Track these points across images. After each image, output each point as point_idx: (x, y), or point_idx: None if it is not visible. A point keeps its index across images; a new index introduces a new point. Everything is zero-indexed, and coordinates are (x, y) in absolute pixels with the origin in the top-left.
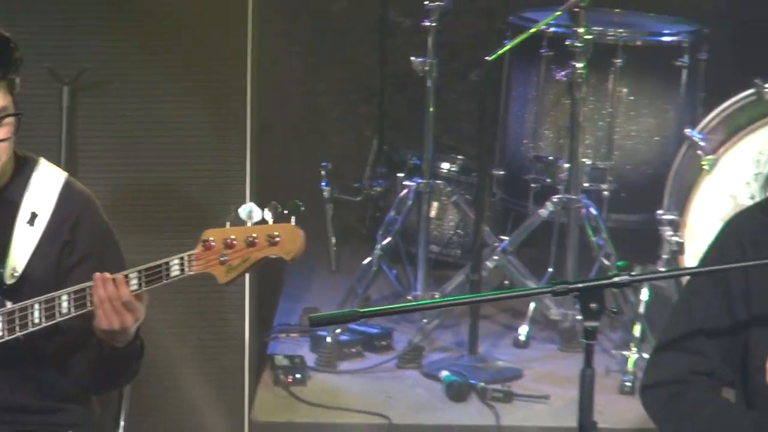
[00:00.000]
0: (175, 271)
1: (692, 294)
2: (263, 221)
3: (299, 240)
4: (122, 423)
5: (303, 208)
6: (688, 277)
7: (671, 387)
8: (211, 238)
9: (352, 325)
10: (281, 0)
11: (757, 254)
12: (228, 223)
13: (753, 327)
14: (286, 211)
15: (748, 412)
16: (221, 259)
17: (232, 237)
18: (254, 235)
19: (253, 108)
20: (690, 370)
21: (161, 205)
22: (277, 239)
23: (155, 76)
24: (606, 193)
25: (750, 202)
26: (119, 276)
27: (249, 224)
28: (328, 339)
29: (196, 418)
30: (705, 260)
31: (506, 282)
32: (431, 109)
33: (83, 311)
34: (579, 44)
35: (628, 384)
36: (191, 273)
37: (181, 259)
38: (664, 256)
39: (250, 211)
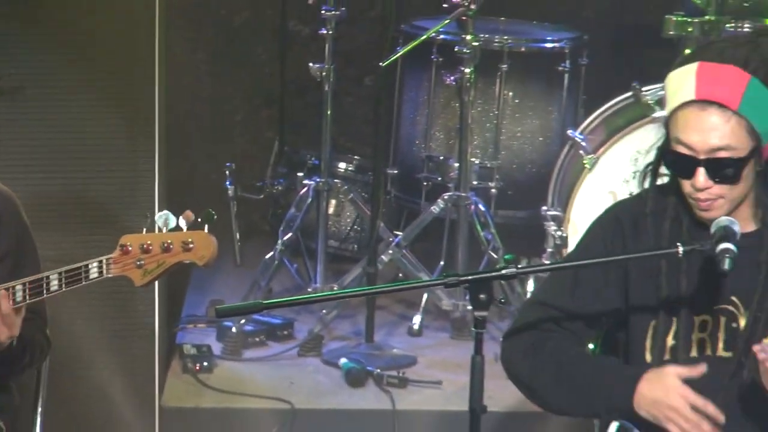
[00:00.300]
0: (93, 273)
1: (574, 259)
2: (178, 228)
3: (212, 247)
4: (39, 410)
5: (216, 217)
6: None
7: (530, 333)
8: (129, 243)
9: (256, 316)
10: (187, 11)
11: (636, 236)
12: (144, 230)
13: (631, 307)
14: (199, 219)
15: (606, 359)
16: (138, 263)
17: (149, 242)
18: (169, 241)
19: (161, 113)
20: (552, 322)
21: (74, 208)
22: (191, 246)
23: (68, 82)
24: (493, 190)
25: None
26: (1, 291)
27: (164, 231)
28: (233, 329)
29: (110, 405)
30: (586, 237)
31: (400, 275)
32: (329, 112)
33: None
34: (467, 50)
35: None
36: (109, 275)
37: (100, 262)
38: (549, 250)
39: (165, 218)
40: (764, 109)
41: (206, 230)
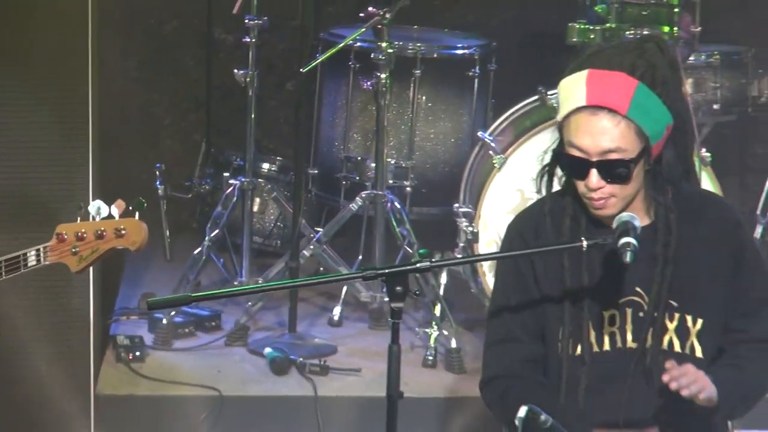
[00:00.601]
0: (32, 261)
1: (498, 293)
2: (110, 216)
3: (143, 232)
4: None
5: (146, 205)
6: (486, 267)
7: (501, 381)
8: (64, 232)
9: (185, 308)
10: (119, 20)
11: (538, 238)
12: (79, 219)
13: (545, 306)
14: (131, 207)
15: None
16: (73, 250)
17: (83, 230)
18: (103, 228)
19: (95, 116)
20: (517, 360)
21: (12, 203)
22: (124, 232)
23: (7, 84)
24: (408, 189)
25: (536, 196)
26: None
27: (98, 219)
28: (164, 321)
29: (48, 392)
30: (499, 265)
31: (321, 268)
32: (252, 116)
33: None
34: (382, 57)
35: (430, 358)
36: (47, 263)
37: (38, 250)
38: (461, 244)
39: (98, 207)
40: (651, 112)
41: (137, 217)
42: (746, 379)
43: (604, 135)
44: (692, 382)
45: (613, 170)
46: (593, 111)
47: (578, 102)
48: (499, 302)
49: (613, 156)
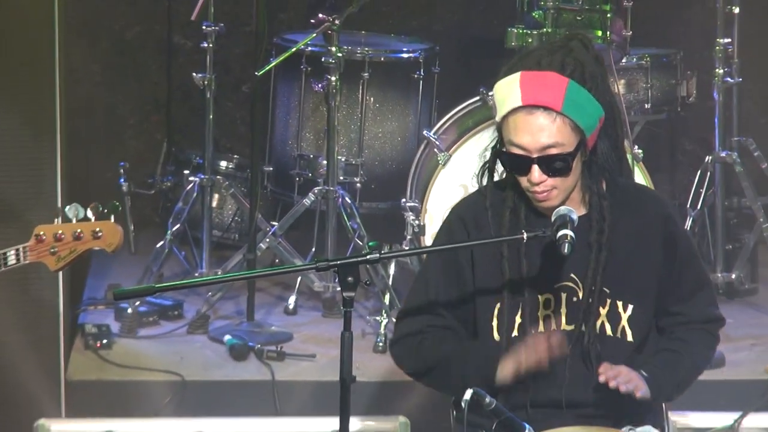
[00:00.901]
0: (11, 260)
1: (426, 270)
2: (86, 219)
3: (119, 235)
4: None
5: (120, 209)
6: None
7: (413, 338)
8: (42, 233)
9: (149, 298)
10: (84, 27)
11: (478, 229)
12: (56, 220)
13: (478, 292)
14: (106, 211)
15: (474, 343)
16: (52, 250)
17: (61, 232)
18: (80, 230)
19: (62, 117)
20: (427, 324)
21: None
22: (100, 234)
23: None
24: (358, 184)
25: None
26: None
27: (74, 221)
28: (129, 310)
29: (21, 379)
30: (437, 239)
31: (277, 260)
32: (211, 117)
33: None
34: (332, 61)
35: (380, 344)
36: (26, 262)
37: (17, 250)
38: (408, 237)
39: (76, 209)
40: (584, 106)
41: (112, 220)
42: (682, 365)
43: (542, 132)
44: (626, 382)
45: (554, 164)
46: (530, 110)
47: (515, 103)
48: (426, 278)
49: (553, 151)
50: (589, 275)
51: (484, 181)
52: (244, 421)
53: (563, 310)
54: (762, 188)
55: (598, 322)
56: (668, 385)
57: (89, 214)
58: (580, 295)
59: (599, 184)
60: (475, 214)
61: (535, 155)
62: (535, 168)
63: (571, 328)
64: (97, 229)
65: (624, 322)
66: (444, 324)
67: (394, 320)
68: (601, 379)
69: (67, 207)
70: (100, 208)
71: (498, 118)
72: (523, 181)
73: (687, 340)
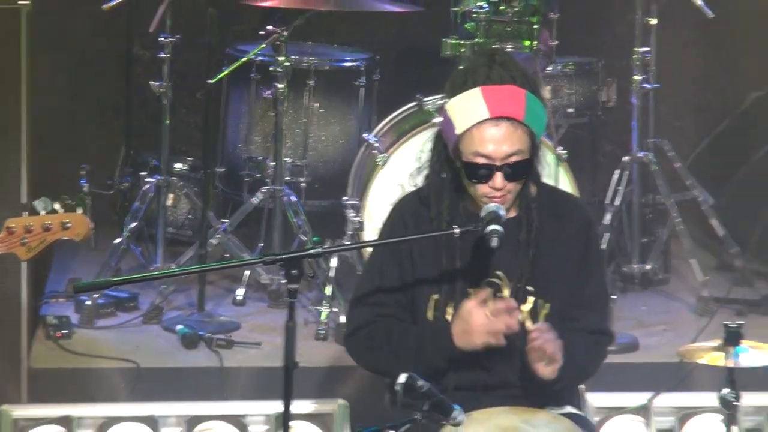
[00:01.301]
0: None
1: (373, 262)
2: (53, 211)
3: (87, 225)
4: None
5: (89, 202)
6: (369, 249)
7: (364, 330)
8: (13, 225)
9: (107, 291)
10: (49, 39)
11: (417, 227)
12: (26, 213)
13: (416, 283)
14: (74, 203)
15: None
16: (22, 241)
17: (31, 224)
18: (50, 222)
19: (28, 123)
20: (376, 315)
21: None
22: (69, 225)
23: None
24: (303, 184)
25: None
26: None
27: (43, 214)
28: (88, 302)
29: None
30: (380, 235)
31: (226, 255)
32: (167, 122)
33: None
34: (280, 69)
35: (322, 332)
36: None
37: None
38: (349, 233)
39: (45, 203)
40: (539, 115)
41: (80, 211)
42: (576, 363)
43: (507, 141)
44: (549, 341)
45: (516, 170)
46: (496, 122)
47: (481, 116)
48: (372, 272)
49: (515, 158)
50: (515, 273)
51: (422, 181)
52: (195, 405)
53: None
54: (675, 186)
55: (520, 318)
56: (569, 369)
57: (57, 206)
58: (506, 291)
59: (530, 188)
60: (413, 209)
61: (498, 163)
62: (499, 175)
63: None
64: (67, 221)
65: (542, 318)
66: (392, 313)
67: (346, 312)
68: (533, 331)
69: (36, 201)
70: (69, 201)
71: (458, 132)
72: (483, 188)
73: (580, 346)
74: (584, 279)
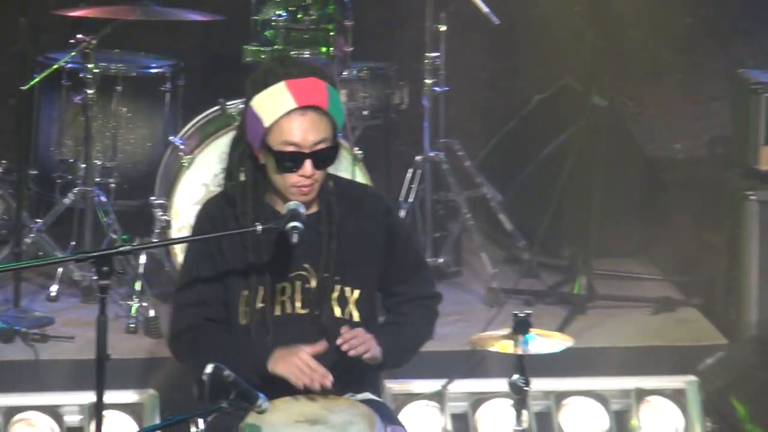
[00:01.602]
0: None
1: (189, 264)
2: None
3: None
4: None
5: None
6: (178, 247)
7: (188, 334)
8: None
9: None
10: None
11: (224, 226)
12: None
13: (228, 280)
14: None
15: (238, 341)
16: None
17: None
18: None
19: None
20: (200, 318)
21: None
22: None
23: None
24: (113, 185)
25: (218, 189)
26: None
27: None
28: None
29: None
30: (192, 234)
31: (40, 253)
32: None
33: None
34: (90, 76)
35: (132, 326)
36: None
37: None
38: (156, 231)
39: None
40: (338, 106)
41: None
42: (407, 333)
43: (314, 129)
44: (361, 344)
45: (323, 157)
46: (303, 111)
47: (288, 106)
48: (190, 273)
49: (321, 146)
50: (320, 264)
51: (229, 182)
52: (11, 396)
53: (297, 296)
54: (465, 183)
55: (329, 306)
56: (396, 351)
57: None
58: (313, 283)
59: (328, 182)
60: (220, 210)
61: (307, 151)
62: (308, 162)
63: (305, 311)
64: None
65: (351, 305)
66: (212, 315)
67: (169, 314)
68: (339, 341)
69: None
70: None
71: (267, 124)
72: (293, 177)
73: (409, 314)
74: (400, 258)
